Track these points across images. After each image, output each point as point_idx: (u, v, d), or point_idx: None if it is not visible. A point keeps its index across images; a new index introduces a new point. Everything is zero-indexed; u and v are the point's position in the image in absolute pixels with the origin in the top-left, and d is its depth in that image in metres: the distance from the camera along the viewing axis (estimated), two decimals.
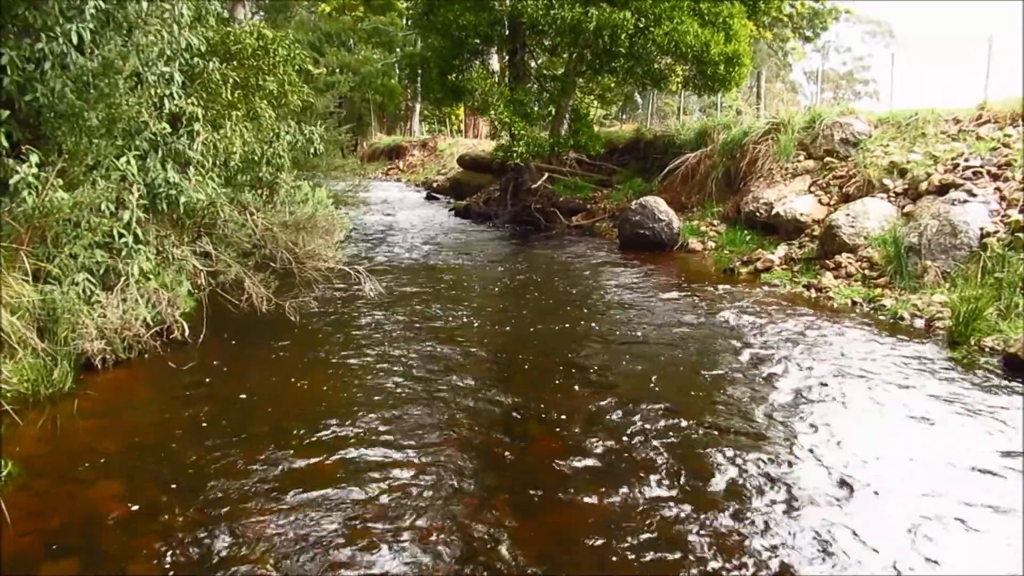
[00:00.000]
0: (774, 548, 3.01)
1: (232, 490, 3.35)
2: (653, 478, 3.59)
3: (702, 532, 3.12)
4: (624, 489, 3.46)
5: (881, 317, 6.83)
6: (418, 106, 35.16)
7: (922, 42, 53.72)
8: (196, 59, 5.95)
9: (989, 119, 9.19)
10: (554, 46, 14.24)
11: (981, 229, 7.33)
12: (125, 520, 3.10)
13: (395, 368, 5.16)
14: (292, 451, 3.76)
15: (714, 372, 5.27)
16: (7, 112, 4.48)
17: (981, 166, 8.22)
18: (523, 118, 13.01)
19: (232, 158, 6.02)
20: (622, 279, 8.75)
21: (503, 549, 2.97)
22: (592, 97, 21.46)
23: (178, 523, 3.07)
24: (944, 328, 6.21)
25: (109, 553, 2.87)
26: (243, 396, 4.58)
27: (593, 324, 6.57)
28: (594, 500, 3.37)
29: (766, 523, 3.19)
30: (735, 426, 4.26)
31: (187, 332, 5.44)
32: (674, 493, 3.45)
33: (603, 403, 4.58)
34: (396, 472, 3.59)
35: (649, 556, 2.94)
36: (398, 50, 29.72)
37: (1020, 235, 6.95)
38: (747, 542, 3.05)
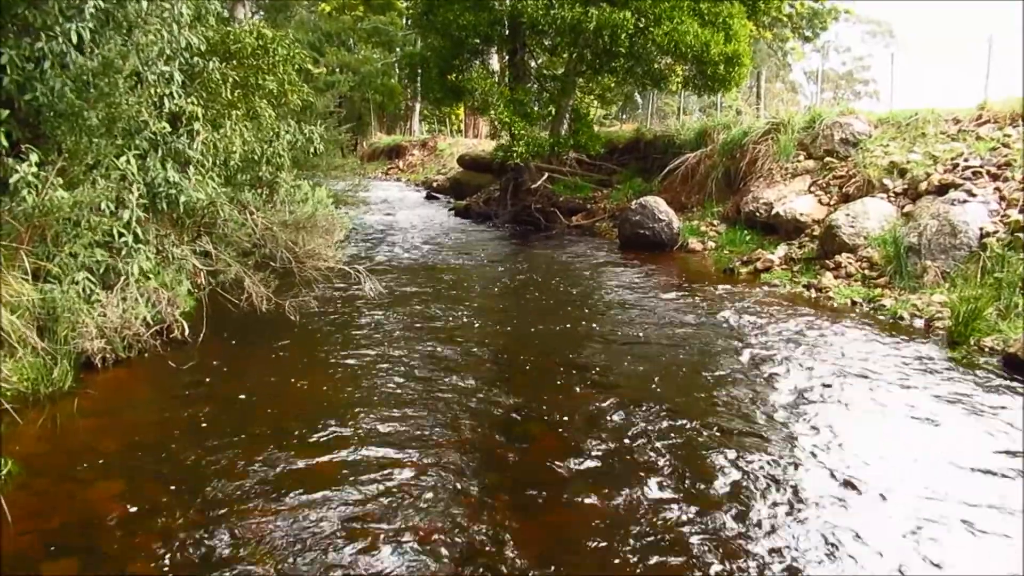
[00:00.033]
0: (777, 549, 3.00)
1: (232, 490, 3.35)
2: (654, 479, 3.59)
3: (704, 533, 3.12)
4: (625, 490, 3.46)
5: (881, 317, 6.83)
6: (418, 106, 35.16)
7: (922, 42, 53.84)
8: (196, 58, 5.94)
9: (989, 119, 9.20)
10: (554, 46, 14.24)
11: (981, 229, 7.33)
12: (125, 520, 3.09)
13: (395, 368, 5.15)
14: (292, 451, 3.76)
15: (715, 372, 5.27)
16: (7, 111, 4.47)
17: (981, 166, 8.23)
18: (523, 118, 13.01)
19: (232, 157, 6.02)
20: (622, 279, 8.75)
21: (503, 550, 2.97)
22: (592, 97, 21.46)
23: (178, 523, 3.07)
24: (944, 328, 6.21)
25: (109, 553, 2.87)
26: (243, 395, 4.57)
27: (594, 324, 6.57)
28: (595, 501, 3.37)
29: (768, 524, 3.19)
30: (736, 427, 4.25)
31: (187, 331, 5.44)
32: (676, 494, 3.45)
33: (604, 403, 4.57)
34: (396, 472, 3.58)
35: (650, 557, 2.94)
36: (398, 50, 29.72)
37: (1020, 235, 6.95)
38: (749, 543, 3.05)
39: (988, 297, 6.10)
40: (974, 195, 7.74)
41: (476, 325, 6.46)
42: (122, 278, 5.05)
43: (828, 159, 10.30)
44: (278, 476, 3.49)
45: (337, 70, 26.79)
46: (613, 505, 3.33)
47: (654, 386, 4.93)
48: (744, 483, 3.56)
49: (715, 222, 11.46)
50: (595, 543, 3.04)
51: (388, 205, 17.37)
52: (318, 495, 3.31)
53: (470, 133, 31.19)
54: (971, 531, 3.15)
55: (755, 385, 4.98)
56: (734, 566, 2.88)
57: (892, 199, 8.71)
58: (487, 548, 2.97)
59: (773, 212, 10.01)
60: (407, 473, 3.58)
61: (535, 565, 2.87)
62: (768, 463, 3.77)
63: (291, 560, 2.83)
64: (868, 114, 10.95)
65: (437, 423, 4.22)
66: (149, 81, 5.28)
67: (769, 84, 21.62)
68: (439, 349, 5.64)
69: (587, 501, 3.37)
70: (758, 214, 10.34)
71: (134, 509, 3.17)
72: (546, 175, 14.46)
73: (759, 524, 3.19)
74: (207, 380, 4.85)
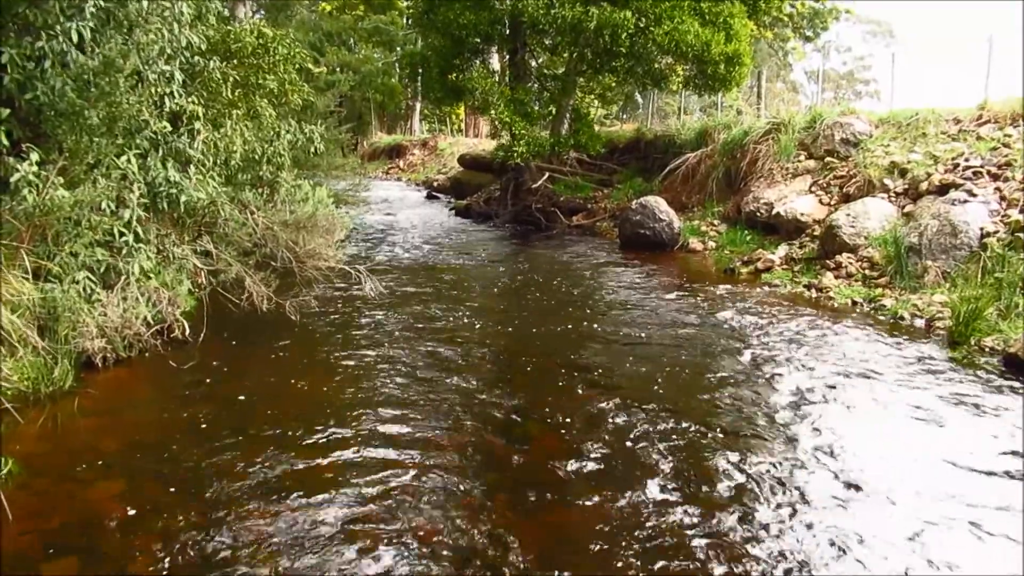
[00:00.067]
0: (780, 550, 3.00)
1: (232, 490, 3.35)
2: (656, 480, 3.59)
3: (706, 534, 3.11)
4: (626, 491, 3.46)
5: (881, 317, 6.83)
6: (418, 105, 35.16)
7: (922, 42, 53.77)
8: (197, 57, 5.94)
9: (989, 119, 9.19)
10: (555, 45, 14.24)
11: (981, 229, 7.32)
12: (125, 520, 3.09)
13: (396, 368, 5.15)
14: (293, 451, 3.75)
15: (716, 373, 5.27)
16: (8, 110, 4.47)
17: (981, 166, 8.22)
18: (523, 118, 13.00)
19: (233, 157, 6.02)
20: (623, 279, 8.75)
21: (504, 550, 2.97)
22: (592, 97, 21.46)
23: (178, 523, 3.07)
24: (944, 328, 6.21)
25: (109, 553, 2.87)
26: (243, 395, 4.57)
27: (595, 325, 6.57)
28: (596, 501, 3.37)
29: (770, 525, 3.19)
30: (738, 427, 4.25)
31: (187, 331, 5.44)
32: (677, 495, 3.45)
33: (605, 404, 4.57)
34: (397, 473, 3.58)
35: (651, 558, 2.94)
36: (398, 49, 29.73)
37: (1020, 235, 6.95)
38: (752, 544, 3.04)
39: (989, 297, 6.10)
40: (975, 195, 7.73)
41: (477, 325, 6.46)
42: (123, 277, 5.05)
43: (829, 159, 10.30)
44: (278, 476, 3.49)
45: (338, 69, 26.78)
46: (614, 506, 3.32)
47: (655, 387, 4.93)
48: (746, 484, 3.55)
49: (716, 222, 11.46)
50: (596, 544, 3.03)
51: (388, 205, 17.37)
52: (318, 495, 3.31)
53: (470, 133, 31.18)
54: (973, 532, 3.15)
55: (756, 386, 4.98)
56: (736, 567, 2.88)
57: (893, 199, 8.70)
58: (488, 549, 2.97)
59: (774, 212, 10.01)
60: (408, 474, 3.58)
61: (536, 566, 2.87)
62: (769, 463, 3.77)
63: (291, 561, 2.83)
64: (869, 114, 10.94)
65: (438, 424, 4.22)
66: (150, 80, 5.28)
67: (770, 84, 21.61)
68: (440, 349, 5.64)
69: (588, 502, 3.36)
70: (759, 214, 10.33)
71: (134, 509, 3.17)
72: (547, 175, 14.46)
73: (761, 525, 3.18)
74: (208, 380, 4.85)
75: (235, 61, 6.60)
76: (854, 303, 7.33)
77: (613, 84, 18.33)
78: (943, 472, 3.71)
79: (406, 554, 2.90)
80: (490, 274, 9.11)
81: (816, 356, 5.59)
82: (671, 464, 3.75)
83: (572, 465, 3.72)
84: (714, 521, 3.20)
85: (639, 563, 2.89)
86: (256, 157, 6.31)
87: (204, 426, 4.07)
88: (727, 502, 3.37)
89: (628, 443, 3.99)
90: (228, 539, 2.96)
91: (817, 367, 5.32)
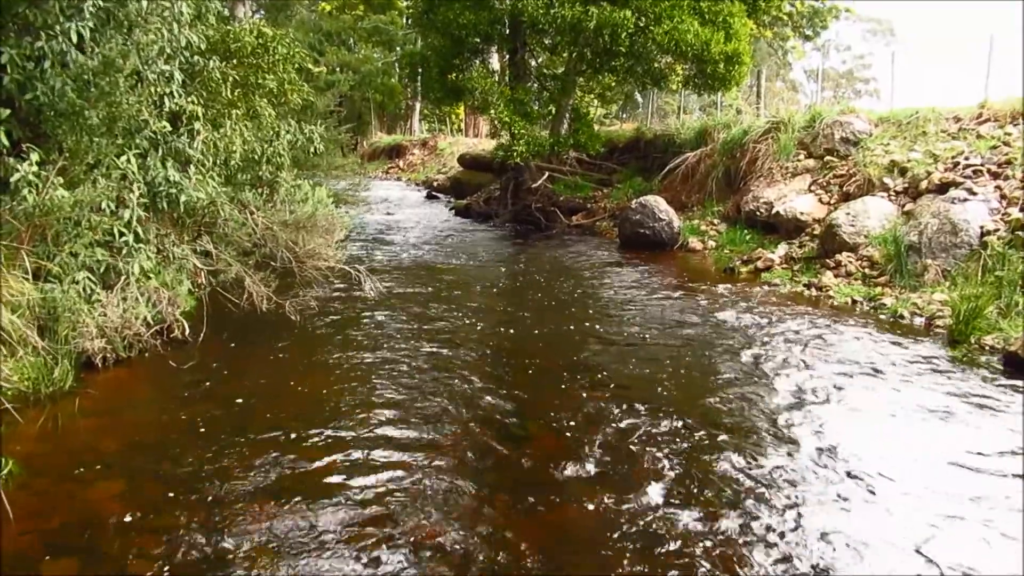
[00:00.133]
0: (781, 549, 3.00)
1: (232, 491, 3.35)
2: (657, 480, 3.59)
3: (707, 535, 3.11)
4: (627, 491, 3.46)
5: (882, 316, 6.83)
6: (418, 105, 35.16)
7: (922, 41, 53.79)
8: (196, 57, 5.94)
9: (989, 118, 9.18)
10: (554, 45, 14.23)
11: (981, 227, 7.32)
12: (125, 520, 3.09)
13: (396, 369, 5.15)
14: (292, 451, 3.75)
15: (717, 373, 5.27)
16: (8, 111, 4.47)
17: (981, 164, 8.22)
18: (523, 117, 13.00)
19: (232, 157, 6.02)
20: (623, 279, 8.75)
21: (505, 551, 2.97)
22: (592, 96, 21.44)
23: (178, 523, 3.07)
24: (944, 327, 6.21)
25: (109, 553, 2.87)
26: (243, 396, 4.57)
27: (595, 325, 6.57)
28: (597, 502, 3.36)
29: (772, 525, 3.19)
30: (739, 427, 4.25)
31: (187, 331, 5.43)
32: (679, 495, 3.45)
33: (606, 404, 4.57)
34: (397, 473, 3.58)
35: (652, 558, 2.94)
36: (398, 49, 29.73)
37: (1020, 233, 6.95)
38: (754, 544, 3.04)
39: (989, 295, 6.10)
40: (975, 193, 7.73)
41: (477, 326, 6.46)
42: (123, 278, 5.05)
43: (828, 158, 10.29)
44: (278, 477, 3.49)
45: (337, 69, 26.79)
46: (615, 506, 3.32)
47: (656, 387, 4.93)
48: (748, 484, 3.55)
49: (715, 221, 11.46)
50: (597, 544, 3.03)
51: (388, 205, 17.37)
52: (318, 496, 3.31)
53: (470, 132, 31.18)
54: (975, 532, 3.15)
55: (757, 385, 4.98)
56: (737, 568, 2.88)
57: (893, 198, 8.70)
58: (488, 550, 2.97)
59: (773, 211, 10.01)
60: (408, 474, 3.58)
61: (537, 566, 2.87)
62: (770, 463, 3.77)
63: (291, 561, 2.83)
64: (868, 113, 10.94)
65: (438, 425, 4.22)
66: (149, 80, 5.28)
67: (769, 83, 21.61)
68: (440, 350, 5.64)
69: (589, 502, 3.36)
70: (758, 213, 10.33)
71: (134, 509, 3.17)
72: (546, 174, 14.46)
73: (763, 526, 3.18)
74: (208, 380, 4.85)
75: (235, 61, 6.60)
76: (854, 302, 7.33)
77: (613, 83, 18.33)
78: (944, 471, 3.71)
79: (406, 555, 2.90)
80: (490, 274, 9.11)
81: (816, 355, 5.59)
82: (672, 464, 3.75)
83: (573, 465, 3.72)
84: (715, 521, 3.20)
85: (640, 564, 2.89)
86: (256, 157, 6.31)
87: (204, 427, 4.07)
88: (728, 502, 3.37)
89: (629, 443, 3.99)
90: (228, 540, 2.96)
91: (817, 366, 5.32)
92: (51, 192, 4.48)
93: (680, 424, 4.23)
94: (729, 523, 3.17)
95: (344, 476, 3.52)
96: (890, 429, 4.26)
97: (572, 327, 6.42)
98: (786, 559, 2.92)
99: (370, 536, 3.01)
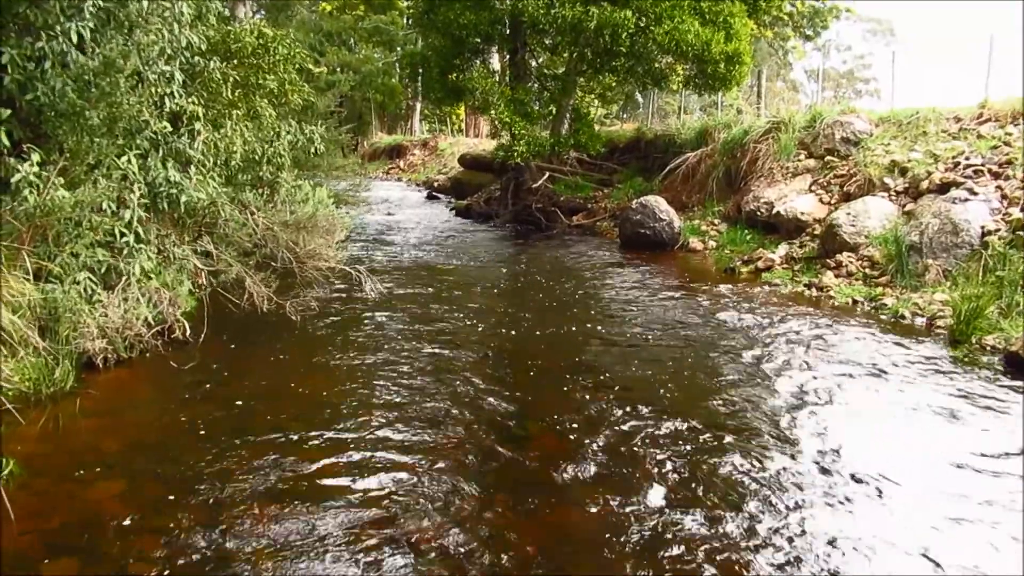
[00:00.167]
0: (782, 549, 3.00)
1: (232, 491, 3.34)
2: (658, 480, 3.58)
3: (708, 535, 3.11)
4: (628, 492, 3.46)
5: (882, 316, 6.82)
6: (419, 105, 35.16)
7: (922, 41, 53.77)
8: (197, 58, 5.93)
9: (990, 118, 9.18)
10: (555, 45, 14.23)
11: (982, 227, 7.32)
12: (125, 520, 3.09)
13: (396, 370, 5.15)
14: (293, 453, 3.75)
15: (718, 373, 5.27)
16: (8, 111, 4.46)
17: (982, 164, 8.21)
18: (524, 117, 13.00)
19: (233, 157, 6.01)
20: (624, 279, 8.74)
21: (505, 552, 2.96)
22: (593, 96, 21.45)
23: (178, 524, 3.07)
24: (945, 327, 6.20)
25: (109, 553, 2.86)
26: (244, 397, 4.57)
27: (596, 325, 6.56)
28: (598, 502, 3.36)
29: (773, 526, 3.18)
30: (740, 427, 4.25)
31: (188, 331, 5.43)
32: (679, 496, 3.44)
33: (607, 405, 4.57)
34: (398, 475, 3.58)
35: (652, 559, 2.93)
36: (399, 49, 29.75)
37: (1021, 233, 6.94)
38: (754, 544, 3.04)
39: (990, 295, 6.09)
40: (975, 193, 7.73)
41: (478, 327, 6.45)
42: (123, 278, 5.05)
43: (829, 158, 10.29)
44: (278, 478, 3.48)
45: (338, 70, 26.80)
46: (617, 508, 3.32)
47: (658, 387, 4.92)
48: (749, 485, 3.55)
49: (716, 221, 11.45)
50: (597, 544, 3.03)
51: (389, 205, 17.37)
52: (318, 497, 3.31)
53: (471, 132, 31.20)
54: (976, 532, 3.14)
55: (758, 386, 4.98)
56: (738, 568, 2.88)
57: (893, 198, 8.69)
58: (490, 551, 2.97)
59: (774, 211, 10.00)
60: (408, 475, 3.58)
61: (538, 568, 2.87)
62: (773, 465, 3.76)
63: (292, 563, 2.83)
64: (869, 113, 10.93)
65: (439, 426, 4.22)
66: (150, 80, 5.28)
67: (770, 83, 21.61)
68: (441, 351, 5.64)
69: (590, 503, 3.36)
70: (759, 213, 10.33)
71: (135, 510, 3.17)
72: (547, 175, 14.46)
73: (764, 526, 3.18)
74: (208, 381, 4.85)
75: (235, 61, 6.59)
76: (855, 302, 7.32)
77: (613, 84, 18.34)
78: (947, 473, 3.70)
79: (407, 557, 2.90)
80: (491, 274, 9.11)
81: (818, 356, 5.58)
82: (675, 466, 3.75)
83: (574, 467, 3.72)
84: (719, 524, 3.19)
85: (642, 567, 2.89)
86: (256, 157, 6.31)
87: (204, 428, 4.07)
88: (732, 504, 3.36)
89: (631, 445, 3.99)
90: (228, 541, 2.96)
91: (819, 367, 5.31)
92: (52, 192, 4.48)
93: (682, 425, 4.23)
94: (733, 526, 3.17)
95: (345, 478, 3.52)
96: (892, 430, 4.25)
97: (573, 328, 6.41)
98: (790, 563, 2.91)
99: (371, 538, 3.00)
